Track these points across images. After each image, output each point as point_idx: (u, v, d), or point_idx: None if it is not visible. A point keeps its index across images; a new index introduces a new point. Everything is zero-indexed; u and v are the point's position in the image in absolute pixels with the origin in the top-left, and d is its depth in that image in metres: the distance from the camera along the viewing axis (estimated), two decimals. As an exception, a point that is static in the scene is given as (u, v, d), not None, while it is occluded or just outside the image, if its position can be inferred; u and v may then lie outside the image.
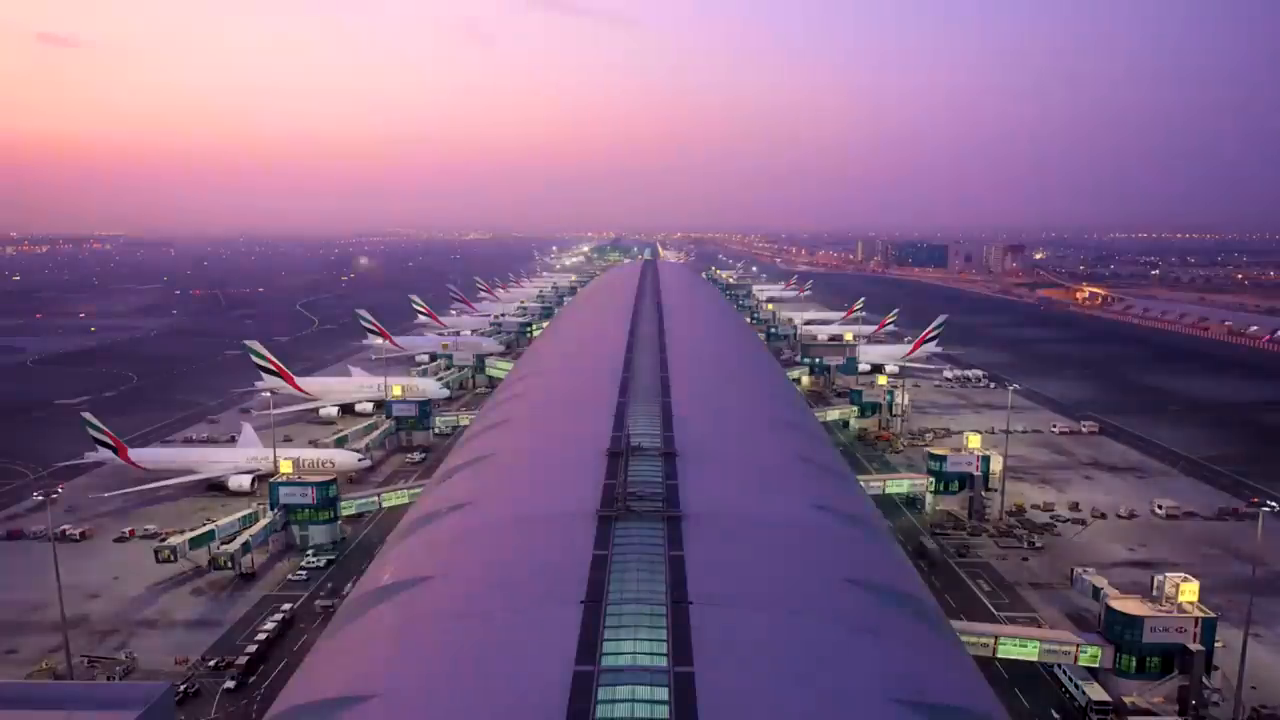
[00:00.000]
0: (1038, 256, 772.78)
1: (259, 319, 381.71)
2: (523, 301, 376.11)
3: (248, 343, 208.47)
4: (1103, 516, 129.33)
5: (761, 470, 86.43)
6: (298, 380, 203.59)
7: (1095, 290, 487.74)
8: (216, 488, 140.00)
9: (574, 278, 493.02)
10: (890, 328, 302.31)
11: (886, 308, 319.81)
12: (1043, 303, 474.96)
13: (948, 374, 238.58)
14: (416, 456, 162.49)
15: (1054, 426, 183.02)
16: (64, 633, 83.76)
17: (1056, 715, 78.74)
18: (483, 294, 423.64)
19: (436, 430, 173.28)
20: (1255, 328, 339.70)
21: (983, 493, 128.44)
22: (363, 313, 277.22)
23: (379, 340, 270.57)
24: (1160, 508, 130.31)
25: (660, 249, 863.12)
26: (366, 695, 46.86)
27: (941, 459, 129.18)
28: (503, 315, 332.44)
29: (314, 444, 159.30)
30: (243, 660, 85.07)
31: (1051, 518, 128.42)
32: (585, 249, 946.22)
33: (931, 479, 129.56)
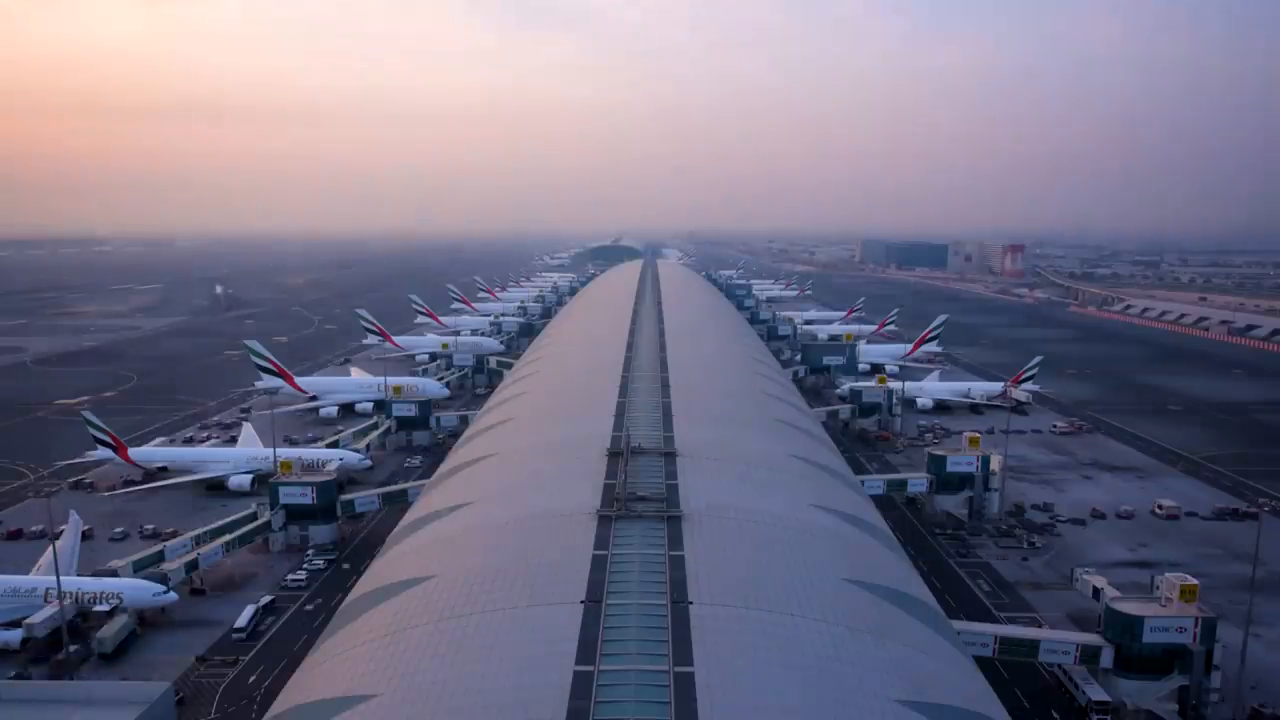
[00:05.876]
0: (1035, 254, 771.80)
1: (259, 318, 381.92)
2: (523, 301, 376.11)
3: (248, 342, 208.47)
4: (1102, 516, 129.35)
5: (761, 470, 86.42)
6: (298, 380, 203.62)
7: (1095, 290, 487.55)
8: (216, 488, 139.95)
9: (573, 277, 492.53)
10: (890, 327, 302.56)
11: (886, 308, 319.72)
12: (1042, 303, 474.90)
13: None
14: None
15: (1054, 426, 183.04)
16: (63, 632, 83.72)
17: (1056, 715, 78.79)
18: (483, 294, 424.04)
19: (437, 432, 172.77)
20: (1257, 328, 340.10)
21: (983, 493, 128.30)
22: (363, 313, 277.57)
23: (379, 340, 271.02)
24: (1160, 508, 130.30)
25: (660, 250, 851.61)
26: (366, 695, 46.89)
27: (941, 459, 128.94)
28: (503, 315, 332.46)
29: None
30: None
31: (1051, 518, 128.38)
32: (583, 249, 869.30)
33: (932, 479, 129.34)
